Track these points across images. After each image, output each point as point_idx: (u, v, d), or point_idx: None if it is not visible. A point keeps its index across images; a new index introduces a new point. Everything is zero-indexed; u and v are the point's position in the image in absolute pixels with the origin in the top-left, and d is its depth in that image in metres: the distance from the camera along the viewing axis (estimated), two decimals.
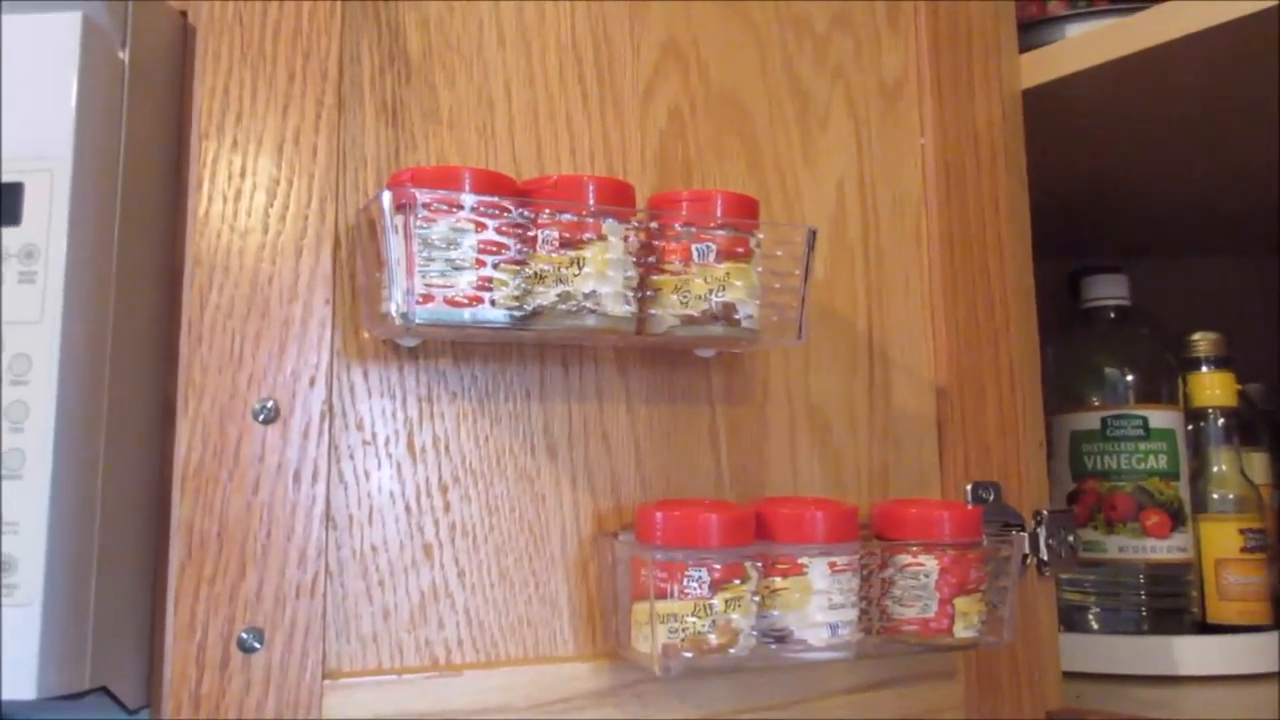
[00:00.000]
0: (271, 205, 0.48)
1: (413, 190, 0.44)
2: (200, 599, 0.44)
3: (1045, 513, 0.63)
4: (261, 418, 0.46)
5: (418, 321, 0.44)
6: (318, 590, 0.46)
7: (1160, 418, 0.80)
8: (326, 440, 0.47)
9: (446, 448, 0.50)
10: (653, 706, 0.51)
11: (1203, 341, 0.86)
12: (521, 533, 0.51)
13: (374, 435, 0.49)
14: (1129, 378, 0.82)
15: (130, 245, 0.65)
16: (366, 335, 0.49)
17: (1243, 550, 0.80)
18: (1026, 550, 0.62)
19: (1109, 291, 0.86)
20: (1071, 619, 0.82)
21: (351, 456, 0.48)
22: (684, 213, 0.51)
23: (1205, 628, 0.80)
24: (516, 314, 0.46)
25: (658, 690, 0.51)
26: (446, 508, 0.50)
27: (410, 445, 0.50)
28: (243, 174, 0.47)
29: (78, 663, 0.67)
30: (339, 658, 0.47)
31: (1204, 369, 0.85)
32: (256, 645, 0.44)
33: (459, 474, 0.50)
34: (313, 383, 0.47)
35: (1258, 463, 0.88)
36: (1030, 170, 0.70)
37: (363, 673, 0.47)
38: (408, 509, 0.49)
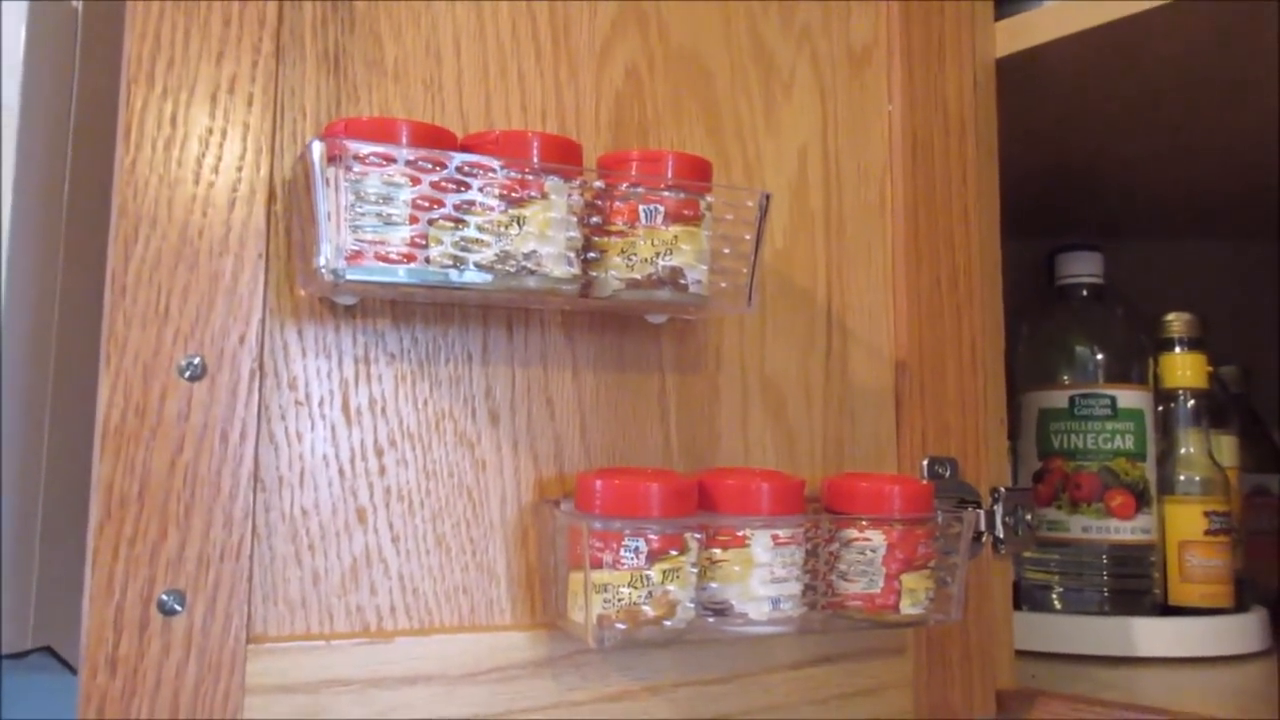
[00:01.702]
0: (203, 156, 0.46)
1: (344, 141, 0.42)
2: (119, 560, 0.43)
3: (1003, 490, 0.62)
4: (188, 374, 0.44)
5: (348, 278, 0.43)
6: (243, 553, 0.45)
7: (1129, 398, 0.80)
8: (256, 400, 0.46)
9: (383, 410, 0.49)
10: (591, 677, 0.50)
11: (1176, 322, 0.85)
12: (460, 499, 0.50)
13: (307, 396, 0.48)
14: (1099, 357, 0.81)
15: (81, 197, 0.63)
16: (302, 293, 0.48)
17: (1207, 533, 0.79)
18: (982, 528, 0.61)
19: (1082, 269, 0.85)
20: (1035, 599, 0.82)
21: (283, 417, 0.47)
22: (633, 173, 0.49)
23: (1167, 610, 0.79)
24: (453, 272, 0.44)
25: (597, 661, 0.50)
26: (382, 471, 0.49)
27: (345, 407, 0.48)
28: (173, 123, 0.46)
29: (21, 622, 0.66)
30: (265, 622, 0.46)
31: (1177, 350, 0.84)
32: (177, 608, 0.43)
33: (396, 437, 0.49)
34: (242, 340, 0.46)
35: (1226, 445, 0.88)
36: (1009, 147, 0.69)
37: (289, 638, 0.46)
38: (341, 472, 0.48)
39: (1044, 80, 0.72)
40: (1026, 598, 0.82)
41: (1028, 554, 0.82)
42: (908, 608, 0.51)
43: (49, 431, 0.65)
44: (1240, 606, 0.80)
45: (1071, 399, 0.80)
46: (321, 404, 0.48)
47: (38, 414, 0.64)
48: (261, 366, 0.46)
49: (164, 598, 0.43)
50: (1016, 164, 0.80)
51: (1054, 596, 0.81)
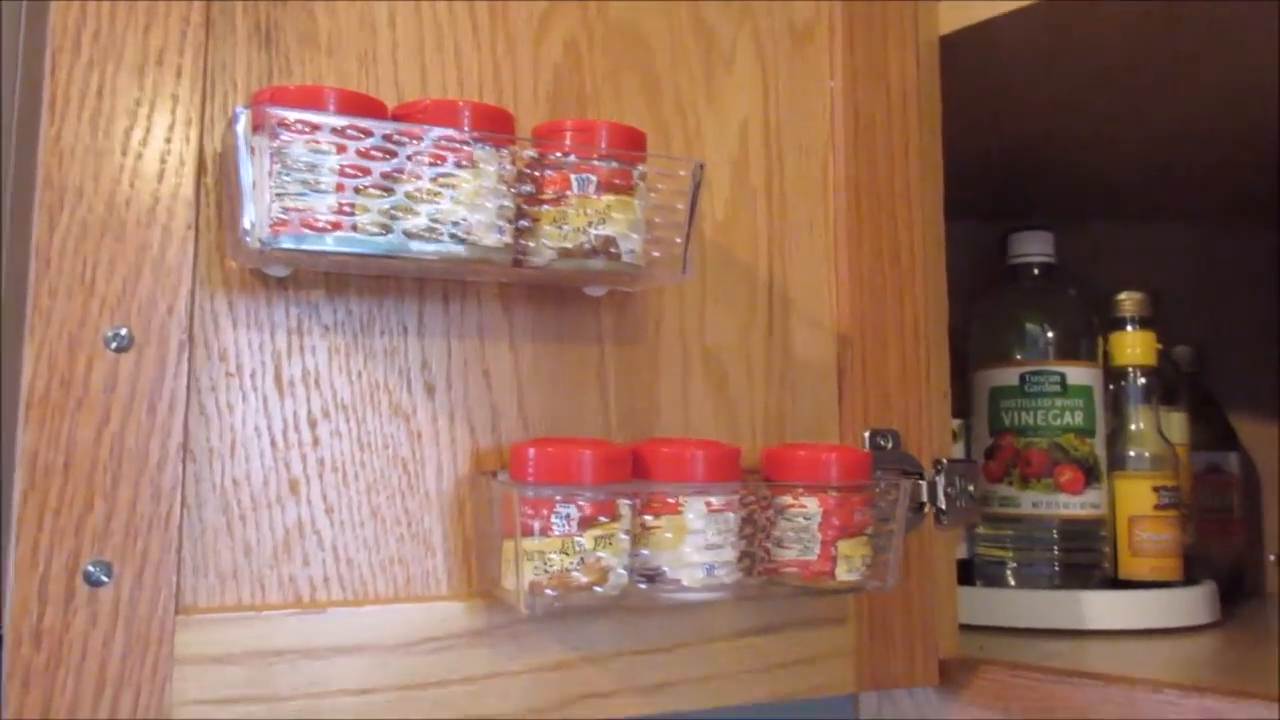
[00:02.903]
0: (131, 128, 0.46)
1: (267, 108, 0.42)
2: (44, 531, 0.43)
3: (945, 462, 0.62)
4: (114, 345, 0.44)
5: (272, 246, 0.43)
6: (172, 524, 0.45)
7: (1078, 374, 0.80)
8: (186, 371, 0.46)
9: (317, 382, 0.49)
10: (529, 647, 0.50)
11: (1128, 301, 0.85)
12: (395, 470, 0.50)
13: (239, 368, 0.48)
14: (1049, 334, 0.82)
15: (28, 170, 0.63)
16: (234, 264, 0.48)
17: (1156, 508, 0.80)
18: (924, 499, 0.61)
19: (1034, 248, 0.86)
20: (989, 574, 0.82)
21: (214, 389, 0.47)
22: (566, 142, 0.49)
23: (1117, 583, 0.80)
24: (380, 240, 0.44)
25: (534, 630, 0.51)
26: (315, 443, 0.49)
27: (278, 378, 0.48)
28: (99, 94, 0.45)
29: None
30: (194, 593, 0.46)
31: (1128, 328, 0.85)
32: (104, 579, 0.43)
33: (329, 409, 0.49)
34: (171, 311, 0.46)
35: (1176, 423, 0.89)
36: (964, 128, 0.69)
37: (220, 609, 0.46)
38: (273, 443, 0.48)
39: (992, 59, 0.72)
40: (981, 573, 0.83)
41: (982, 530, 0.83)
42: (844, 574, 0.51)
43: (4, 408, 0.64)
44: (1189, 580, 0.81)
45: (1022, 376, 0.81)
46: (253, 376, 0.48)
47: None
48: (191, 338, 0.46)
49: (90, 569, 0.43)
50: (972, 145, 0.81)
51: (1008, 572, 0.81)
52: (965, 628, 0.73)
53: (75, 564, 0.43)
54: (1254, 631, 0.82)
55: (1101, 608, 0.76)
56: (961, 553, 0.84)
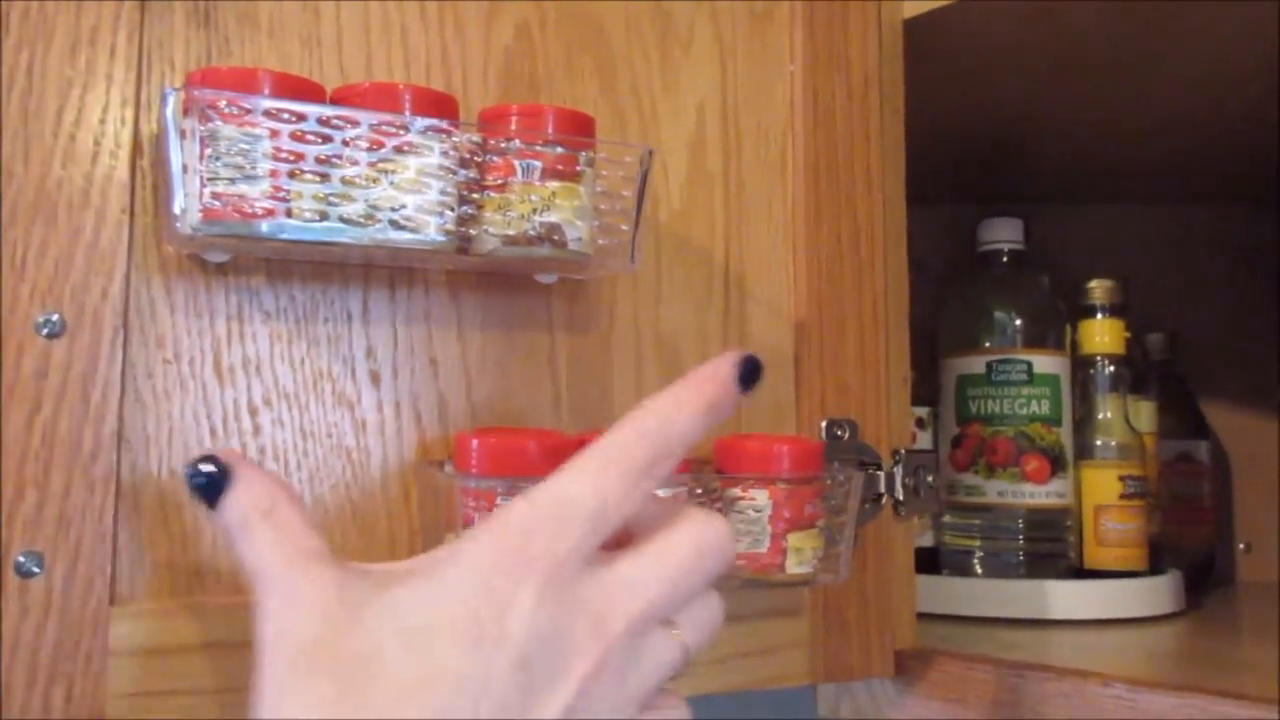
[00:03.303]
0: (63, 109, 0.45)
1: (196, 91, 0.41)
2: None
3: (904, 452, 0.62)
4: (45, 331, 0.43)
5: (203, 233, 0.42)
6: (106, 514, 0.44)
7: (1045, 363, 0.80)
8: (120, 358, 0.45)
9: (258, 369, 0.48)
10: None
11: (1098, 289, 0.85)
12: (339, 460, 0.49)
13: (176, 355, 0.47)
14: (1017, 322, 0.82)
15: None
16: (170, 249, 0.47)
17: (1122, 497, 0.80)
18: (882, 489, 0.61)
19: (1003, 235, 0.85)
20: (957, 563, 0.82)
21: (150, 376, 0.46)
22: (511, 128, 0.48)
23: (1082, 573, 0.80)
24: (316, 227, 0.43)
25: None
26: (256, 431, 0.48)
27: (217, 366, 0.47)
28: (29, 73, 0.44)
29: None
30: (130, 584, 0.45)
31: (1097, 316, 0.84)
32: (35, 570, 0.42)
33: (271, 397, 0.48)
34: (105, 296, 0.45)
35: (1145, 411, 0.88)
36: (933, 113, 0.68)
37: (156, 600, 0.45)
38: (213, 432, 0.47)
39: (958, 42, 0.71)
40: (948, 562, 0.82)
41: (949, 518, 0.82)
42: (794, 567, 0.51)
43: None
44: (1155, 569, 0.81)
45: (989, 364, 0.81)
46: (192, 363, 0.47)
47: None
48: (126, 324, 0.45)
49: (20, 559, 0.42)
50: (944, 130, 0.80)
51: (975, 561, 0.81)
52: (932, 617, 0.73)
53: (5, 554, 0.42)
54: (1219, 621, 0.82)
55: (1067, 597, 0.76)
56: (928, 541, 0.84)
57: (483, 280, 0.53)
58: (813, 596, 0.58)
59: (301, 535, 0.35)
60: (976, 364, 0.81)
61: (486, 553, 0.33)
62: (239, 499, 0.36)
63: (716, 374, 0.37)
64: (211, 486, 0.36)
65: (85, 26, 0.45)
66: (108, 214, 0.45)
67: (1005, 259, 0.85)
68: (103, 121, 0.45)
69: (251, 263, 0.48)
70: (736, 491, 0.51)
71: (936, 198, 0.91)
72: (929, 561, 0.82)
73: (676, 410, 0.36)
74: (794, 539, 0.51)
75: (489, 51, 0.55)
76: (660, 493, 0.48)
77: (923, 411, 0.84)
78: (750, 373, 0.37)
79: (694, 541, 0.35)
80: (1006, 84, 0.79)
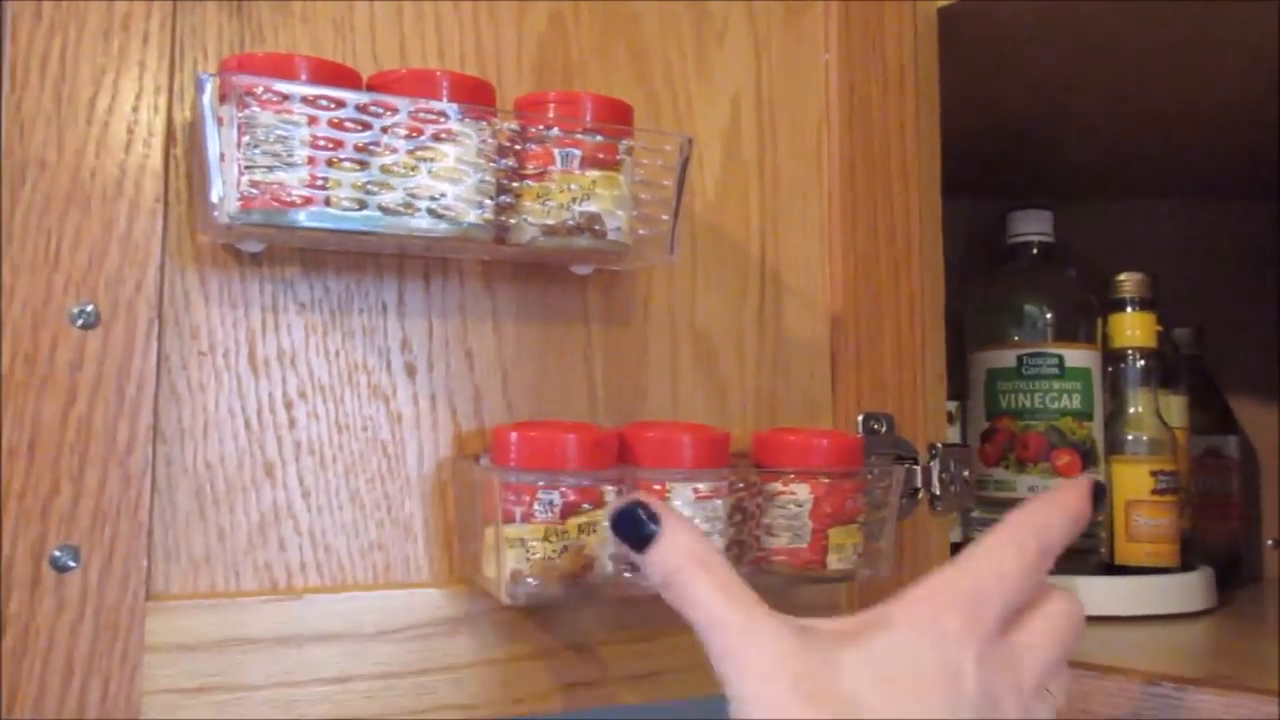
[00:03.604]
0: (96, 96, 0.44)
1: (234, 76, 0.41)
2: (8, 514, 0.41)
3: (940, 446, 0.61)
4: (80, 323, 0.43)
5: (241, 221, 0.41)
6: (142, 508, 0.43)
7: (1076, 357, 0.79)
8: (155, 350, 0.44)
9: (293, 362, 0.47)
10: (512, 635, 0.49)
11: (1128, 282, 0.84)
12: (375, 453, 0.49)
13: (211, 346, 0.46)
14: (1048, 315, 0.81)
15: None
16: (204, 239, 0.46)
17: (1154, 492, 0.78)
18: (919, 484, 0.60)
19: (1032, 228, 0.84)
20: None
21: (185, 368, 0.45)
22: (549, 115, 0.47)
23: (1113, 569, 0.79)
24: (355, 216, 0.43)
25: (517, 619, 0.49)
26: (292, 424, 0.47)
27: (252, 358, 0.47)
28: (62, 60, 0.44)
29: None
30: (166, 579, 0.44)
31: (1127, 310, 0.83)
32: (71, 564, 0.42)
33: (306, 390, 0.48)
34: (139, 287, 0.44)
35: (1176, 406, 0.87)
36: (963, 106, 0.67)
37: (192, 595, 0.44)
38: (248, 425, 0.46)
39: (991, 32, 0.70)
40: None
41: (977, 514, 0.81)
42: (835, 563, 0.50)
43: None
44: (1186, 566, 0.80)
45: (1019, 358, 0.79)
46: (226, 355, 0.46)
47: None
48: (161, 315, 0.45)
49: (56, 554, 0.42)
50: (970, 121, 0.79)
51: None
52: None
53: (41, 549, 0.41)
54: (1251, 618, 0.81)
55: (1097, 593, 0.75)
56: (956, 537, 0.83)
57: (518, 272, 0.52)
58: (850, 592, 0.57)
59: (739, 584, 0.38)
60: (1007, 358, 0.80)
61: (944, 616, 0.37)
62: (673, 548, 0.38)
63: (1080, 491, 0.43)
64: (643, 534, 0.38)
65: (118, 12, 0.45)
66: (141, 203, 0.44)
67: (1034, 251, 0.84)
68: (136, 109, 0.45)
69: (286, 253, 0.48)
70: (777, 485, 0.50)
71: (957, 190, 0.90)
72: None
73: (1060, 513, 0.41)
74: (835, 534, 0.50)
75: (522, 40, 0.54)
76: (701, 486, 0.47)
77: (951, 406, 0.83)
78: (1099, 495, 0.43)
79: (1070, 616, 0.41)
80: (1035, 73, 0.78)
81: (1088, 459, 0.78)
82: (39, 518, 0.42)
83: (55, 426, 0.42)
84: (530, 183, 0.46)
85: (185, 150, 0.46)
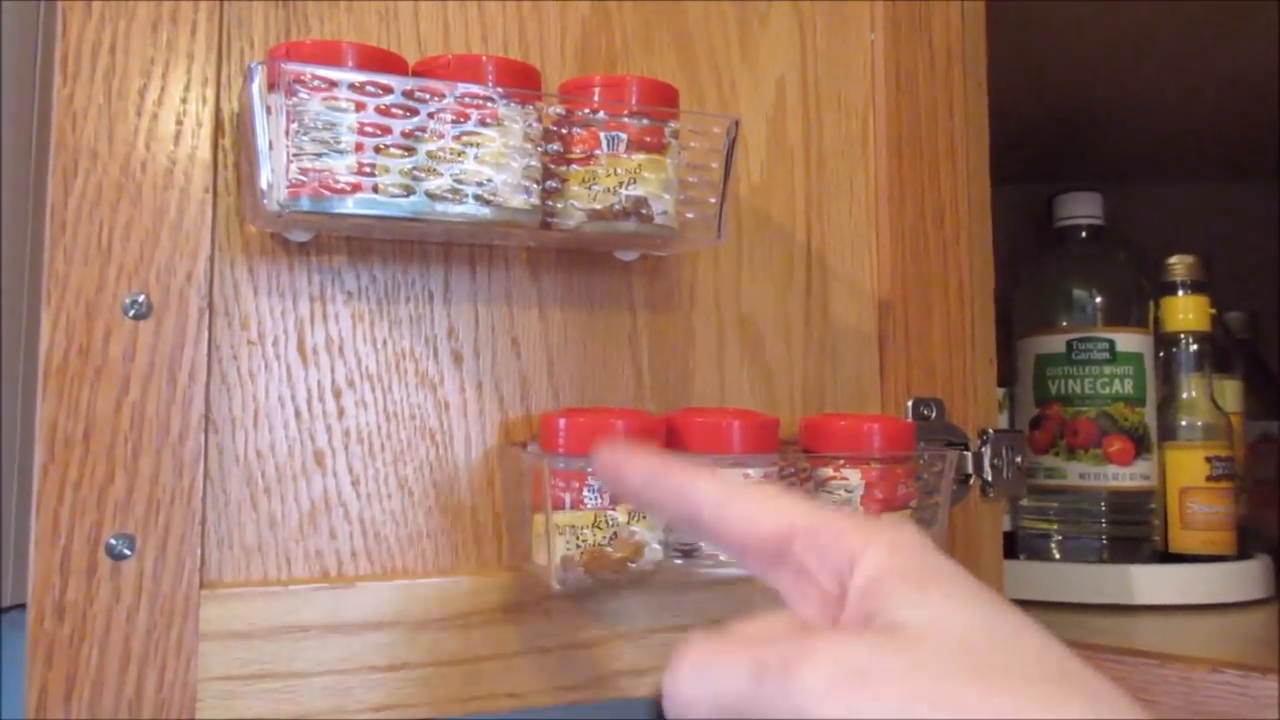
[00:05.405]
0: (145, 87, 0.44)
1: (282, 64, 0.41)
2: (65, 503, 0.42)
3: (991, 432, 0.60)
4: (132, 313, 0.43)
5: (290, 209, 0.41)
6: (195, 496, 0.43)
7: (1127, 341, 0.77)
8: (206, 339, 0.44)
9: (341, 350, 0.48)
10: (561, 624, 0.49)
11: (1179, 265, 0.82)
12: (423, 441, 0.48)
13: (260, 335, 0.46)
14: (1097, 299, 0.79)
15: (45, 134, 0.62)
16: (253, 229, 0.46)
17: (1209, 479, 0.77)
18: (970, 470, 0.59)
19: (1081, 210, 0.82)
20: (1034, 547, 0.80)
21: (235, 357, 0.46)
22: (594, 98, 0.47)
23: (1167, 557, 0.77)
24: (403, 202, 0.43)
25: (567, 607, 0.49)
26: (340, 413, 0.47)
27: (301, 347, 0.47)
28: (112, 51, 0.44)
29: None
30: (219, 567, 0.44)
31: (1179, 293, 0.81)
32: (126, 552, 0.42)
33: (354, 378, 0.48)
34: (190, 277, 0.44)
35: (1230, 390, 0.85)
36: (1010, 87, 0.66)
37: (245, 583, 0.45)
38: (297, 413, 0.46)
39: (1038, 11, 0.69)
40: (1025, 546, 0.80)
41: (1025, 502, 0.80)
42: None
43: (22, 382, 0.64)
44: (1242, 554, 0.78)
45: (1069, 343, 0.78)
46: (276, 344, 0.46)
47: (11, 365, 0.63)
48: (211, 305, 0.45)
49: (112, 542, 0.42)
50: (1016, 103, 0.78)
51: (1052, 545, 0.79)
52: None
53: (97, 537, 0.42)
54: None
55: (1151, 582, 0.73)
56: (1005, 525, 0.81)
57: (563, 257, 0.52)
58: None
59: None
60: (1056, 343, 0.79)
61: None
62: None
63: None
64: None
65: (166, 5, 0.45)
66: (191, 194, 0.44)
67: (1083, 235, 0.82)
68: (184, 100, 0.45)
69: (333, 242, 0.48)
70: (828, 471, 0.49)
71: (1003, 174, 0.89)
72: (1005, 545, 0.79)
73: None
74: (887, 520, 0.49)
75: (565, 25, 0.53)
76: (751, 472, 0.47)
77: (999, 393, 0.81)
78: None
79: None
80: (1082, 53, 0.77)
81: (1141, 445, 0.76)
82: (95, 506, 0.42)
83: (110, 416, 0.42)
84: (576, 167, 0.46)
85: (233, 141, 0.46)
